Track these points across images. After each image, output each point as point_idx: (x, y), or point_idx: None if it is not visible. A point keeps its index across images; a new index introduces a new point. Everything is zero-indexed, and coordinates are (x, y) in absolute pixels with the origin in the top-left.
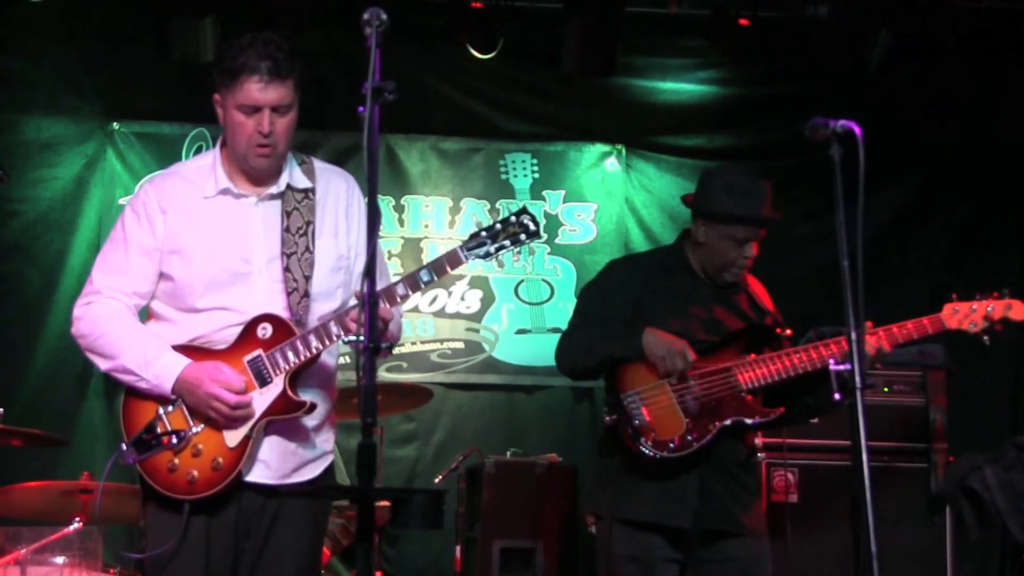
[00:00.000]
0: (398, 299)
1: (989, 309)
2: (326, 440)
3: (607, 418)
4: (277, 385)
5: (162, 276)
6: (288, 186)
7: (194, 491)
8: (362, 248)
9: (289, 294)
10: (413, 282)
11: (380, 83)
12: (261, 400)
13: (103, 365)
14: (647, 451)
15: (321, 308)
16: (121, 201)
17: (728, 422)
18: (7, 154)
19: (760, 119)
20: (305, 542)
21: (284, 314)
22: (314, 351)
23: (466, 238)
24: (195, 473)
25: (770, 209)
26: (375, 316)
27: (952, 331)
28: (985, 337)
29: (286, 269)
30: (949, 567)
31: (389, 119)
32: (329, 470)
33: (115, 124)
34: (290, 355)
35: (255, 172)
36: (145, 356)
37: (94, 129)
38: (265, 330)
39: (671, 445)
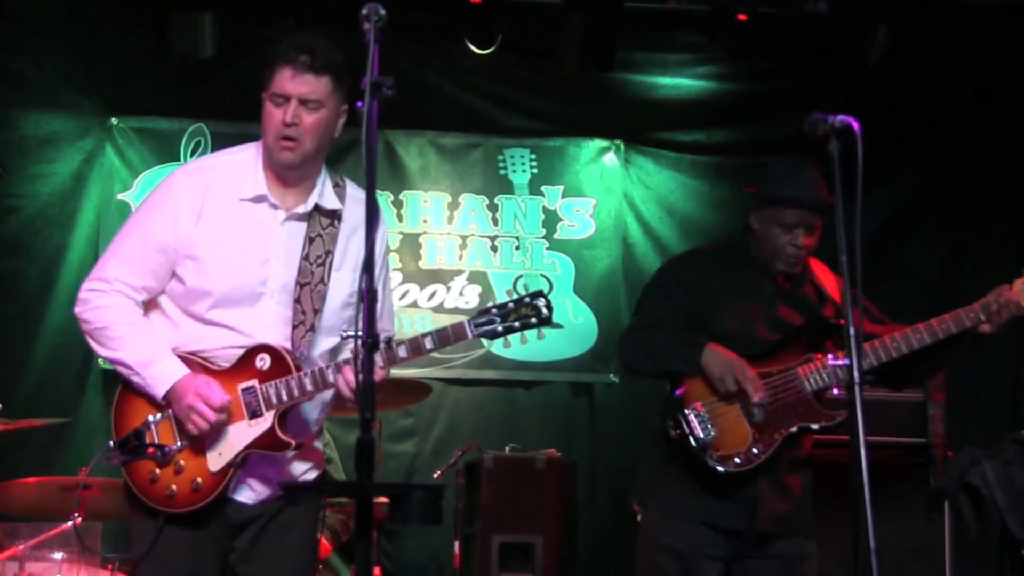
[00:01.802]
0: (398, 361)
1: None
2: (308, 463)
3: (672, 432)
4: (266, 420)
5: (175, 275)
6: (316, 206)
7: (172, 506)
8: (378, 288)
9: (295, 327)
10: (416, 347)
11: (379, 78)
12: (249, 432)
13: (103, 353)
14: (713, 465)
15: (325, 343)
16: (121, 196)
17: (794, 429)
18: (6, 150)
19: (759, 115)
20: (299, 547)
21: (287, 345)
22: (307, 394)
23: (476, 313)
24: (174, 488)
25: (819, 192)
26: (373, 311)
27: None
28: None
29: (297, 300)
30: (948, 563)
31: (388, 114)
32: (320, 478)
33: (114, 120)
34: (283, 394)
35: (282, 171)
36: (145, 356)
37: (93, 125)
38: (264, 361)
39: (737, 460)
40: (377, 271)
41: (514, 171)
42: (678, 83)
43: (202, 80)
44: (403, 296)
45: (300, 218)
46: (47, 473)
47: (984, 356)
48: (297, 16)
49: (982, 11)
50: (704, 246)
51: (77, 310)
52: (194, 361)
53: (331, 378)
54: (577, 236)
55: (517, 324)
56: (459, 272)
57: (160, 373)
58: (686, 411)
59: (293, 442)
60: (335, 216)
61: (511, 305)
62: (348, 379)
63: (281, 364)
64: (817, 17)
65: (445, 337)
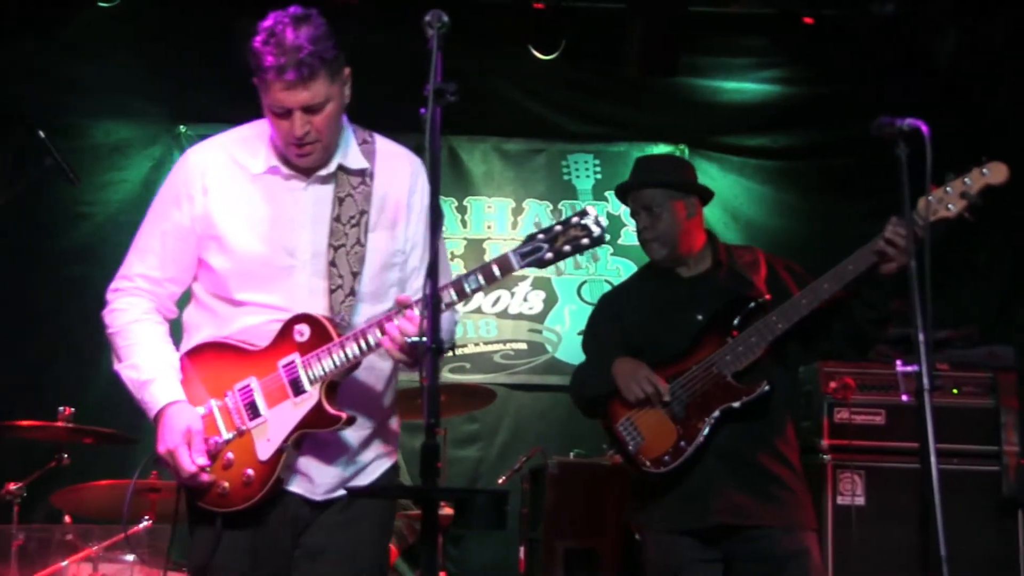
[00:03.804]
0: (442, 305)
1: (966, 182)
2: (377, 450)
3: (609, 453)
4: (312, 396)
5: (202, 263)
6: (340, 166)
7: (224, 504)
8: (419, 242)
9: (332, 292)
10: (459, 288)
11: (442, 85)
12: (295, 411)
13: (115, 366)
14: (648, 470)
15: (370, 310)
16: None
17: (716, 413)
18: (77, 158)
19: (824, 118)
20: (364, 552)
21: (325, 315)
22: (352, 360)
23: (521, 241)
24: (226, 486)
25: (650, 175)
26: (438, 317)
27: (932, 225)
28: (967, 215)
29: (332, 263)
30: (1023, 572)
31: (451, 120)
32: (386, 476)
33: (181, 127)
34: (327, 363)
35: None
36: (139, 376)
37: (161, 132)
38: (302, 333)
39: (666, 459)
40: (417, 226)
41: (578, 176)
42: (742, 87)
43: None
44: (467, 302)
45: (324, 180)
46: (119, 476)
47: None
48: (360, 21)
49: None
50: (627, 277)
51: (102, 314)
52: (227, 345)
53: (373, 336)
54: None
55: (567, 248)
56: (523, 278)
57: (150, 397)
58: (614, 428)
59: (343, 415)
60: (365, 174)
61: (558, 228)
62: (392, 334)
63: (321, 333)
64: (884, 19)
65: (489, 273)
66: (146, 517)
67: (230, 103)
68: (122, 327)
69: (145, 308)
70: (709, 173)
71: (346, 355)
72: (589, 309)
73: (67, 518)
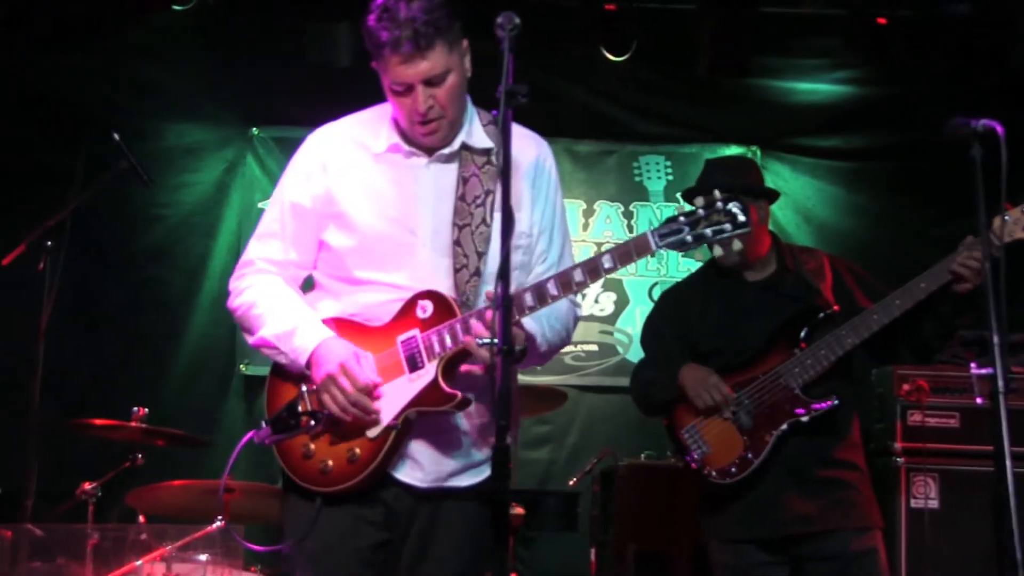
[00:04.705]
0: (575, 287)
1: None
2: (490, 444)
3: (673, 460)
4: (429, 372)
5: (323, 245)
6: (464, 145)
7: (326, 483)
8: (546, 227)
9: (457, 271)
10: (594, 269)
11: (513, 86)
12: (409, 387)
13: (249, 340)
14: (714, 480)
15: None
16: (261, 205)
17: (784, 427)
18: (151, 160)
19: (897, 119)
20: (467, 555)
21: (450, 294)
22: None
23: (661, 223)
24: (329, 463)
25: (719, 179)
26: (509, 319)
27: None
28: None
29: (456, 243)
30: None
31: (522, 122)
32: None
33: (254, 129)
34: (447, 339)
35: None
36: (284, 328)
37: (234, 135)
38: (425, 309)
39: (732, 470)
40: (544, 207)
41: (649, 178)
42: (815, 88)
43: (339, 89)
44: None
45: (447, 159)
46: (192, 476)
47: None
48: None
49: None
50: (693, 271)
51: (228, 304)
52: (348, 321)
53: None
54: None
55: (709, 232)
56: None
57: (299, 343)
58: (678, 436)
59: (458, 394)
60: (489, 154)
61: (701, 212)
62: (477, 331)
63: (445, 310)
64: (958, 18)
65: (626, 253)
66: (219, 517)
67: (303, 105)
68: (253, 298)
69: (274, 279)
70: (781, 174)
71: (470, 332)
72: None
73: (141, 517)
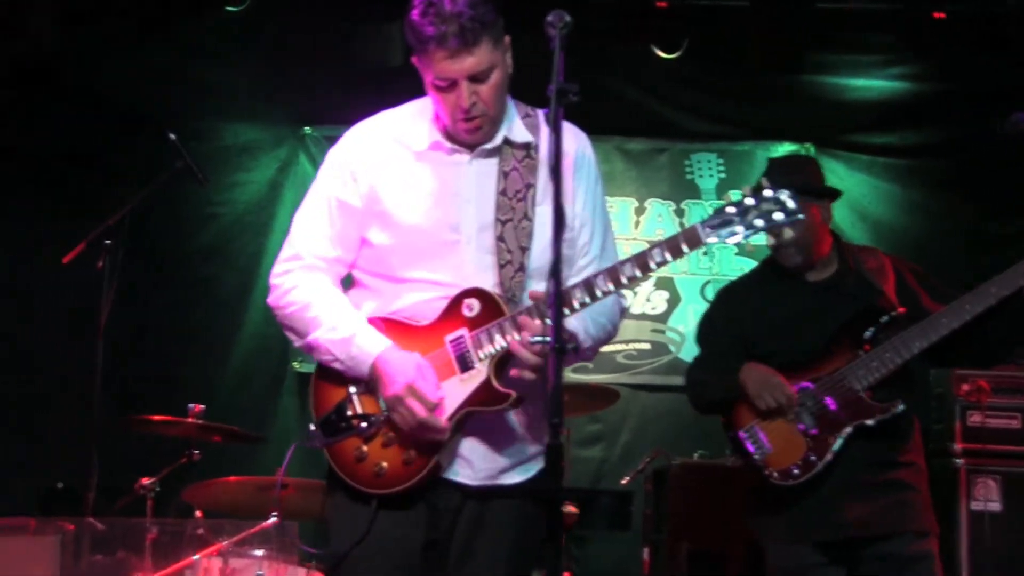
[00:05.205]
0: (625, 282)
1: None
2: (539, 441)
3: (730, 459)
4: (480, 372)
5: (363, 241)
6: (505, 139)
7: (381, 485)
8: (587, 220)
9: (502, 267)
10: (643, 263)
11: (564, 85)
12: (462, 388)
13: (297, 341)
14: (775, 482)
15: (538, 287)
16: None
17: (849, 430)
18: (206, 159)
19: (954, 115)
20: (514, 554)
21: (495, 290)
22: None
23: (711, 215)
24: (384, 465)
25: (783, 179)
26: (560, 316)
27: None
28: None
29: (499, 238)
30: None
31: (573, 120)
32: (541, 475)
33: (307, 128)
34: (497, 338)
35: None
36: (342, 334)
37: (287, 134)
38: (472, 308)
39: (795, 472)
40: (585, 200)
41: (701, 176)
42: (870, 84)
43: (392, 88)
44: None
45: (489, 154)
46: (247, 473)
47: None
48: None
49: None
50: (751, 269)
51: (269, 300)
52: (393, 321)
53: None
54: (765, 241)
55: (760, 222)
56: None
57: (358, 351)
58: (738, 435)
59: (513, 393)
60: (529, 148)
61: (750, 201)
62: (530, 324)
63: (492, 308)
64: (1017, 11)
65: (676, 246)
66: (274, 513)
67: (355, 104)
68: (305, 301)
69: (323, 279)
70: (836, 172)
71: (518, 329)
72: None
73: (198, 513)
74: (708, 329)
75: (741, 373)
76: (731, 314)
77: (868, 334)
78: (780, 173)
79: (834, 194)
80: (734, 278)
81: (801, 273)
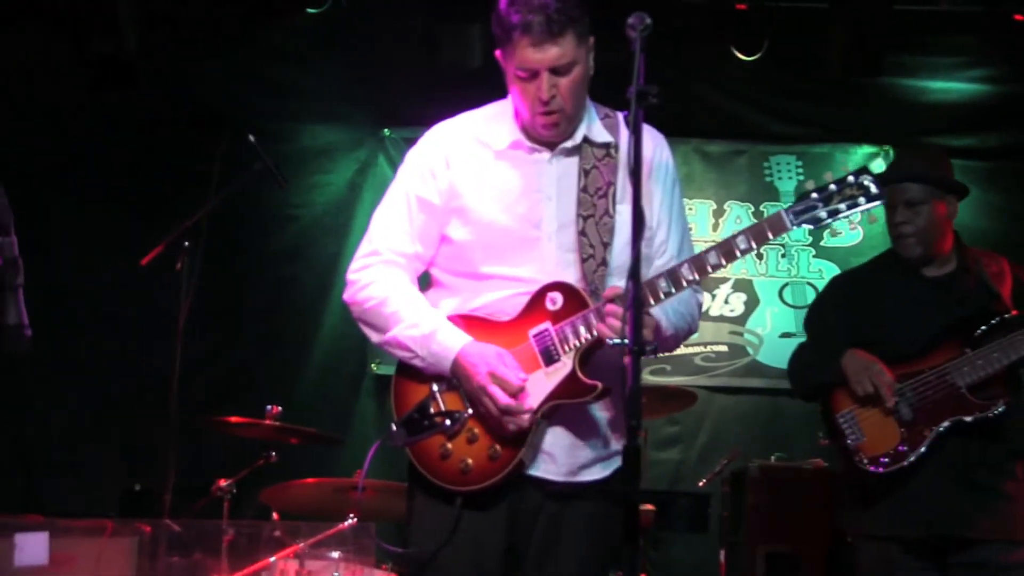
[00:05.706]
0: (709, 269)
1: None
2: (620, 435)
3: (822, 440)
4: (565, 364)
5: (442, 238)
6: (585, 138)
7: (466, 482)
8: (664, 219)
9: (584, 261)
10: (728, 250)
11: (644, 87)
12: (547, 382)
13: (374, 338)
14: (864, 468)
15: (619, 283)
16: None
17: (946, 424)
18: (285, 161)
19: None
20: (594, 552)
21: (578, 284)
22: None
23: (794, 201)
24: (469, 462)
25: (904, 168)
26: (640, 318)
27: None
28: None
29: (581, 233)
30: None
31: (652, 123)
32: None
33: (386, 130)
34: (582, 330)
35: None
36: (423, 330)
37: (366, 136)
38: (555, 301)
39: (884, 460)
40: (662, 199)
41: (780, 178)
42: (949, 87)
43: (471, 90)
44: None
45: (569, 153)
46: (324, 474)
47: None
48: None
49: None
50: (867, 261)
51: (346, 296)
52: (474, 318)
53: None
54: (844, 244)
55: (843, 207)
56: (724, 280)
57: (439, 347)
58: (834, 419)
59: (599, 384)
60: (609, 147)
61: (833, 187)
62: (611, 323)
63: (576, 300)
64: None
65: (760, 232)
66: (350, 515)
67: (434, 106)
68: (384, 296)
69: (401, 275)
70: None
71: (603, 320)
72: (791, 312)
73: (275, 514)
74: (816, 315)
75: (844, 358)
76: (842, 300)
77: (978, 333)
78: (909, 161)
79: (963, 191)
80: (812, 280)
81: (919, 267)
